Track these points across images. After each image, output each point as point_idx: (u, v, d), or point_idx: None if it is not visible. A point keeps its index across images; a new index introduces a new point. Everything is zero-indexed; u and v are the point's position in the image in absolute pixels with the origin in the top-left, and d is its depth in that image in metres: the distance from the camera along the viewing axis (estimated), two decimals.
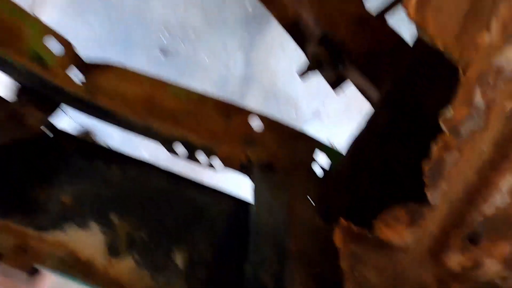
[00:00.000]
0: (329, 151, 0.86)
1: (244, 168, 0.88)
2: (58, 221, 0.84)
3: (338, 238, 0.38)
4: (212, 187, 0.96)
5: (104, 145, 0.96)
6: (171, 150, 0.94)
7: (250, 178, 0.85)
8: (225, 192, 0.96)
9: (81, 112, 0.96)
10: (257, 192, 0.54)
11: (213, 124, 0.94)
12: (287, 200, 0.63)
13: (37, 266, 0.79)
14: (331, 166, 0.84)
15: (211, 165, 0.89)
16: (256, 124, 0.92)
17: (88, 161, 0.90)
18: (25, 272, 0.78)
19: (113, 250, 0.84)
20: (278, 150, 0.90)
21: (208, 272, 0.87)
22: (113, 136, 1.87)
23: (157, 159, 1.86)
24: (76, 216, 0.85)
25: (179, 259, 0.88)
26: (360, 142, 0.62)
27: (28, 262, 0.79)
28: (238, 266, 0.88)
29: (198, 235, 0.90)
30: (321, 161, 0.88)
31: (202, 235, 0.90)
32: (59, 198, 0.86)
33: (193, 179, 0.97)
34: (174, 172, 0.97)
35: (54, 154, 0.89)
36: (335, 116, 2.59)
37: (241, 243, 0.89)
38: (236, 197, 0.93)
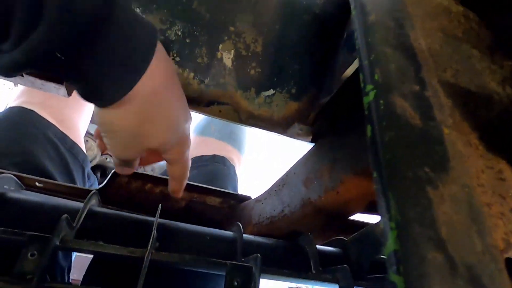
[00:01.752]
0: None
1: None
2: None
3: None
4: None
5: None
6: None
7: None
8: None
9: None
10: None
11: None
12: None
13: None
14: None
15: None
16: None
17: None
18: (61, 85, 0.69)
19: None
20: None
21: (260, 68, 0.77)
22: None
23: None
24: None
25: (225, 56, 0.76)
26: None
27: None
28: (306, 61, 0.75)
29: (243, 26, 0.74)
30: None
31: (248, 27, 0.74)
32: None
33: None
34: None
35: None
36: None
37: (302, 34, 0.73)
38: None
